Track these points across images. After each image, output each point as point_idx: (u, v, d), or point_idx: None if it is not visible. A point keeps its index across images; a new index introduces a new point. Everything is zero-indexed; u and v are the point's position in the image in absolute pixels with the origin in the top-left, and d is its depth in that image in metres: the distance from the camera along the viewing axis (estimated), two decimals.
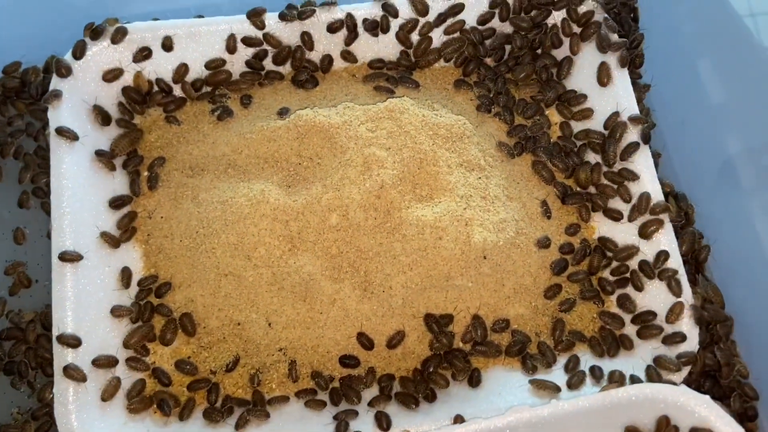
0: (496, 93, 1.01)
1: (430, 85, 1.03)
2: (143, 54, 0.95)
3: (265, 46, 0.97)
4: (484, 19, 1.01)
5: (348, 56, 1.00)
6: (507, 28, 1.02)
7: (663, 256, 0.88)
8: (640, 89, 1.03)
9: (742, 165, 0.99)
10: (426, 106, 0.97)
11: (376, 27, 0.98)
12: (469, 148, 0.93)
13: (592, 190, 0.96)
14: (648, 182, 0.91)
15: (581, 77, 1.00)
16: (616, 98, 0.96)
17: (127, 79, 0.95)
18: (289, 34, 0.98)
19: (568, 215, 0.96)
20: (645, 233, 0.90)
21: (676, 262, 0.88)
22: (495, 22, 1.02)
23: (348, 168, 0.88)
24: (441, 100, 1.00)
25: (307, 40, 0.98)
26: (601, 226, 0.95)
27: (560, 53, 1.03)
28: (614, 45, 0.96)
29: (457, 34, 1.01)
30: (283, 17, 0.96)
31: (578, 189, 0.97)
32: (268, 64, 0.99)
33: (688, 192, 1.00)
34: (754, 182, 0.97)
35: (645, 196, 0.90)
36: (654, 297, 0.89)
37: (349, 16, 0.97)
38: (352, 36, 0.99)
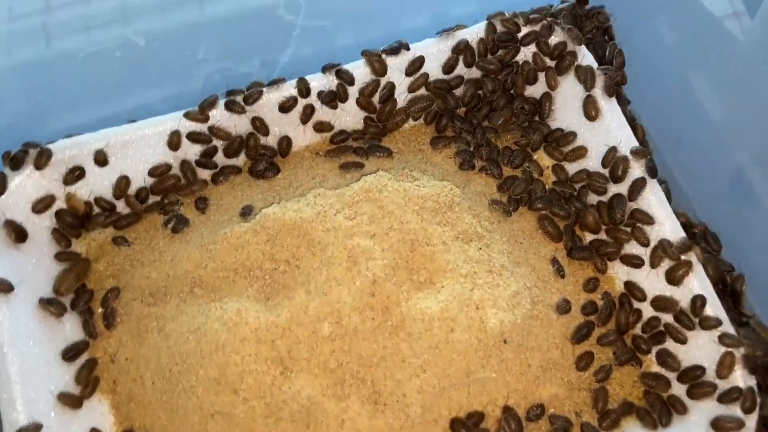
0: (476, 145, 0.92)
1: (404, 149, 0.92)
2: (75, 174, 0.83)
3: (214, 141, 0.86)
4: (449, 68, 0.91)
5: (312, 130, 0.89)
6: (475, 73, 0.93)
7: (699, 301, 0.78)
8: (631, 113, 0.94)
9: (754, 177, 0.90)
10: (404, 176, 0.86)
11: (333, 98, 0.88)
12: (462, 216, 0.82)
13: (602, 234, 0.87)
14: (664, 220, 0.82)
15: (566, 113, 0.91)
16: (609, 131, 0.87)
17: (61, 204, 0.83)
18: (237, 121, 0.86)
19: (582, 269, 0.86)
20: (673, 279, 0.80)
21: (714, 306, 0.79)
22: (461, 69, 0.92)
23: (332, 267, 0.77)
24: (419, 165, 0.90)
25: (259, 125, 0.87)
26: (621, 274, 0.85)
27: (537, 91, 0.94)
28: (597, 75, 0.88)
29: (422, 90, 0.91)
30: (229, 107, 0.85)
31: (587, 235, 0.88)
32: (220, 158, 0.88)
33: (702, 214, 0.91)
34: None
35: (665, 241, 0.80)
36: (697, 348, 0.79)
37: (301, 90, 0.87)
38: (309, 112, 0.88)
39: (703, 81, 0.93)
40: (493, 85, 0.93)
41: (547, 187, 0.90)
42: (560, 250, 0.87)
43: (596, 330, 0.82)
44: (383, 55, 0.88)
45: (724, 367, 0.75)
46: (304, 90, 0.87)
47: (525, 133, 0.93)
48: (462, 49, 0.90)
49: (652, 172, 0.84)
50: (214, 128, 0.85)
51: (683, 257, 0.80)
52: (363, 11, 0.90)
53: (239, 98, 0.85)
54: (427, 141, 0.93)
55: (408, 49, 0.89)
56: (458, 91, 0.93)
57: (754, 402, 0.74)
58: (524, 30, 0.91)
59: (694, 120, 0.94)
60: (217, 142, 0.86)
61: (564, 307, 0.82)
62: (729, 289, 0.84)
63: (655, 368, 0.81)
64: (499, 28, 0.91)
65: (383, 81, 0.89)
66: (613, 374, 0.80)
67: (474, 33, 0.91)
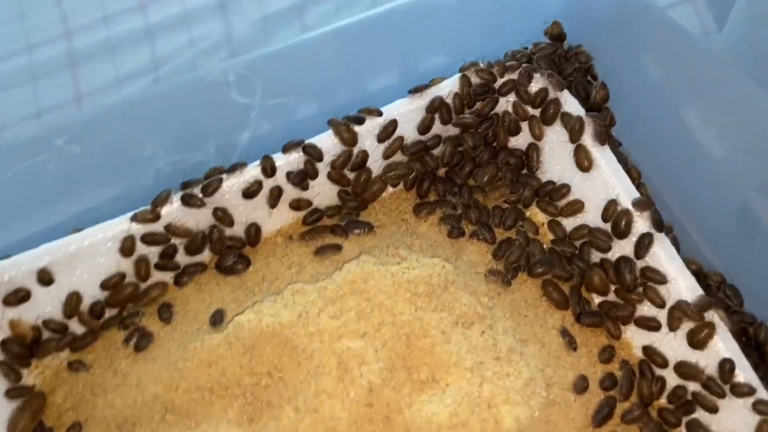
0: (464, 207, 0.84)
1: (385, 220, 0.84)
2: (18, 297, 0.72)
3: (173, 239, 0.77)
4: (425, 128, 0.83)
5: (282, 212, 0.81)
6: (453, 130, 0.85)
7: (728, 365, 0.71)
8: (623, 155, 0.87)
9: (764, 210, 0.84)
10: (390, 255, 0.78)
11: (304, 177, 0.79)
12: (459, 297, 0.74)
13: (611, 296, 0.79)
14: (677, 276, 0.75)
15: (555, 164, 0.84)
16: (606, 182, 0.80)
17: (6, 333, 0.73)
18: (197, 215, 0.77)
19: (595, 336, 0.79)
20: (696, 342, 0.73)
21: (744, 369, 0.71)
22: (438, 127, 0.84)
23: (320, 377, 0.68)
24: (404, 239, 0.81)
25: (222, 216, 0.78)
26: (637, 339, 0.78)
27: (522, 142, 0.87)
28: (585, 122, 0.81)
29: (398, 155, 0.83)
30: (186, 201, 0.75)
31: (594, 297, 0.81)
32: (182, 257, 0.78)
33: (712, 256, 0.85)
34: None
35: (683, 303, 0.73)
36: (731, 415, 0.71)
37: (266, 168, 0.78)
38: (276, 194, 0.79)
39: (695, 113, 0.87)
40: (473, 140, 0.85)
41: (545, 246, 0.83)
42: (568, 317, 0.79)
43: (619, 405, 0.75)
44: (351, 124, 0.80)
45: None
46: (269, 169, 0.78)
47: (514, 189, 0.85)
48: (437, 107, 0.82)
49: (659, 224, 0.77)
50: (171, 226, 0.76)
51: (705, 318, 0.73)
52: (326, 79, 0.82)
53: (196, 190, 0.76)
54: (410, 209, 0.84)
55: (380, 114, 0.81)
56: (437, 151, 0.85)
57: None
58: (501, 80, 0.84)
59: (690, 155, 0.88)
60: (178, 240, 0.77)
61: (582, 386, 0.74)
62: (753, 342, 0.78)
63: None
64: (474, 79, 0.83)
65: (355, 150, 0.81)
66: None
67: (448, 88, 0.83)
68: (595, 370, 0.76)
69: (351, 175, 0.82)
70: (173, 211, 0.76)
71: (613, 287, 0.79)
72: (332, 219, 0.83)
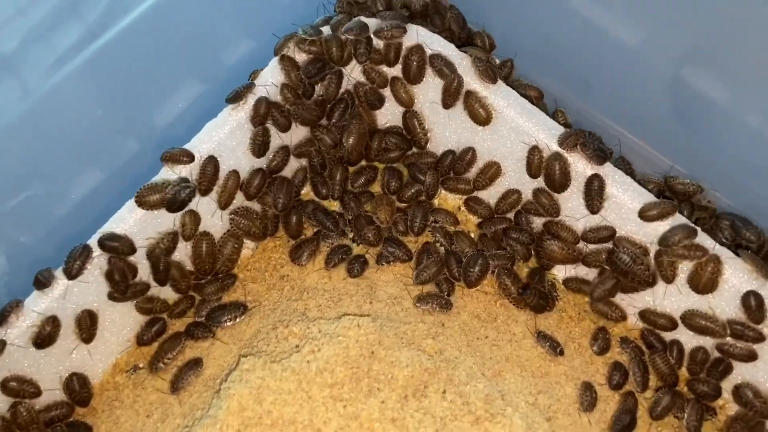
0: (354, 230, 0.61)
1: (258, 288, 0.60)
2: None
3: None
4: (261, 148, 0.59)
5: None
6: (300, 133, 0.62)
7: (754, 300, 0.54)
8: (524, 85, 0.66)
9: (695, 81, 0.67)
10: (280, 340, 0.54)
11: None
12: (395, 358, 0.52)
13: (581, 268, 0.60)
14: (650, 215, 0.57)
15: (446, 128, 0.63)
16: (515, 128, 0.59)
17: None
18: None
19: (577, 324, 0.60)
20: (702, 286, 0.55)
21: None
22: (280, 138, 0.61)
23: None
24: (292, 305, 0.58)
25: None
26: (628, 308, 0.59)
27: (394, 116, 0.65)
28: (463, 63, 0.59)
29: (240, 196, 0.59)
30: None
31: (558, 274, 0.62)
32: None
33: (661, 156, 0.67)
34: None
35: (668, 238, 0.55)
36: None
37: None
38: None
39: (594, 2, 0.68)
40: (330, 136, 0.62)
41: (473, 236, 0.63)
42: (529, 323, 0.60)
43: (640, 399, 0.57)
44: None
45: None
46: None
47: (408, 180, 0.64)
48: (264, 114, 0.59)
49: (600, 155, 0.58)
50: None
51: (698, 252, 0.55)
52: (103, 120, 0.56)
53: None
54: (285, 258, 0.61)
55: (191, 157, 0.56)
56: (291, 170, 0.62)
57: None
58: (334, 45, 0.60)
59: (598, 51, 0.69)
60: None
61: (589, 400, 0.55)
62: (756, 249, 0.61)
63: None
64: (299, 57, 0.60)
65: (179, 223, 0.56)
66: None
67: (269, 81, 0.59)
68: (595, 368, 0.58)
69: (188, 247, 0.58)
70: None
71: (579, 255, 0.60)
72: (183, 318, 0.58)
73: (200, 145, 0.57)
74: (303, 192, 0.64)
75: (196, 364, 0.54)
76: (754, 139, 0.58)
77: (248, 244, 0.61)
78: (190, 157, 0.56)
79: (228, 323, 0.57)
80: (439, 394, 0.52)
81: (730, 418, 0.56)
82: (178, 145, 0.56)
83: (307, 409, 0.49)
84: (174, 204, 0.55)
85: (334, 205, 0.64)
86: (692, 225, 0.56)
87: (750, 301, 0.54)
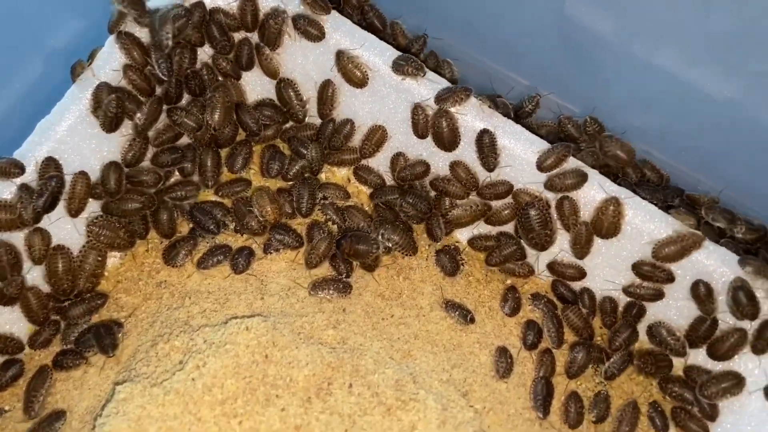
0: (236, 219, 0.55)
1: (131, 300, 0.53)
2: None
3: None
4: (130, 151, 0.52)
5: None
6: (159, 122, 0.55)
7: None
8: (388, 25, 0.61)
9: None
10: (159, 360, 0.48)
11: None
12: (293, 358, 0.47)
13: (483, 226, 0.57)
14: (524, 152, 0.53)
15: (318, 96, 0.57)
16: (395, 86, 0.54)
17: None
18: None
19: (485, 286, 0.56)
20: (605, 230, 0.53)
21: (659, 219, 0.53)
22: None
23: None
24: (172, 314, 0.51)
25: None
26: (534, 259, 0.57)
27: (263, 87, 0.58)
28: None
29: (93, 203, 0.52)
30: None
31: (457, 232, 0.58)
32: None
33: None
34: None
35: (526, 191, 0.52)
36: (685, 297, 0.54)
37: None
38: None
39: None
40: (195, 119, 0.55)
41: (366, 208, 0.58)
42: (439, 279, 0.56)
43: (558, 356, 0.55)
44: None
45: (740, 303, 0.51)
46: None
47: (292, 154, 0.58)
48: (116, 107, 0.51)
49: (494, 101, 0.53)
50: None
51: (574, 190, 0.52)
52: None
53: None
54: (160, 263, 0.54)
55: (22, 169, 0.47)
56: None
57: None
58: (174, 10, 0.53)
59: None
60: None
61: (505, 365, 0.52)
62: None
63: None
64: (139, 32, 0.52)
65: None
66: (612, 400, 0.54)
67: (109, 61, 0.51)
68: (509, 330, 0.55)
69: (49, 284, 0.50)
70: None
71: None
72: (48, 348, 0.51)
73: (34, 149, 0.49)
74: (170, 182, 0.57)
75: (57, 419, 0.47)
76: (640, 70, 0.55)
77: (115, 253, 0.54)
78: (21, 169, 0.47)
79: (89, 354, 0.50)
80: (345, 389, 0.47)
81: (639, 352, 0.55)
82: (5, 154, 0.48)
83: None
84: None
85: (209, 196, 0.57)
86: (583, 170, 0.53)
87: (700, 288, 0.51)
